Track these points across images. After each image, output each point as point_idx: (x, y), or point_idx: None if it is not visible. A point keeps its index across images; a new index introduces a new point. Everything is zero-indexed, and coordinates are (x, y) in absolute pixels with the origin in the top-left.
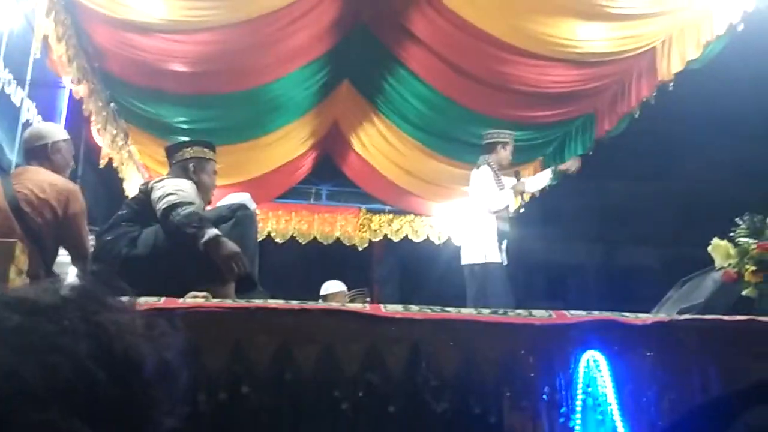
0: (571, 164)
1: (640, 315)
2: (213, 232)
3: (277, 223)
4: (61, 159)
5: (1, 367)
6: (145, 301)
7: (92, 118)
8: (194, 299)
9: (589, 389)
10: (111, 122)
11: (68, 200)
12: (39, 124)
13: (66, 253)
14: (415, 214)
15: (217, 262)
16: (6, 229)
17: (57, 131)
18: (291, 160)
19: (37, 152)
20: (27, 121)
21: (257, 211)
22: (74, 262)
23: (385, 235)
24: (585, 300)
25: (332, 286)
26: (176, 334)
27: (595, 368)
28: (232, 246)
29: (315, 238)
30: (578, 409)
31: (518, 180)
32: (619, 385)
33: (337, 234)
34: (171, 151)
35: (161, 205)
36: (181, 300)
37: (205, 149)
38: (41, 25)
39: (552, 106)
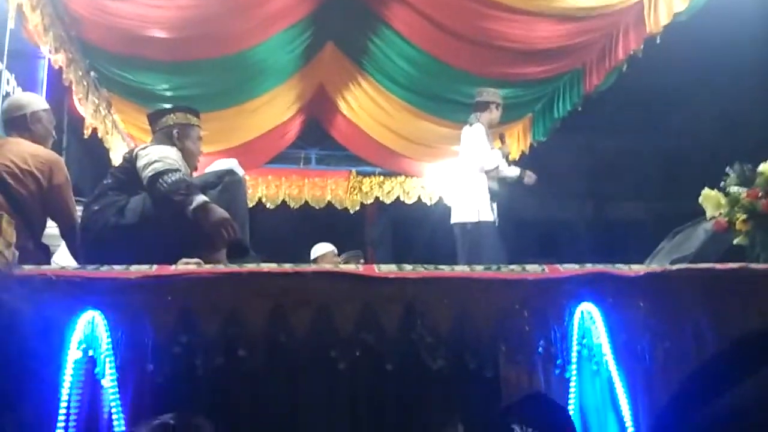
0: (529, 179)
1: (633, 266)
2: (201, 198)
3: (267, 189)
4: (42, 129)
5: None
6: (137, 269)
7: (73, 88)
8: (186, 266)
9: (584, 341)
10: (92, 91)
11: (51, 171)
12: (17, 95)
13: (55, 225)
14: (406, 176)
15: (207, 228)
16: None
17: (36, 101)
18: (278, 125)
19: (17, 123)
20: (6, 93)
21: (246, 177)
22: (62, 233)
23: (377, 198)
24: (577, 255)
25: (320, 248)
26: None
27: (589, 320)
28: (221, 212)
29: (306, 203)
30: (574, 360)
31: (503, 143)
32: (613, 335)
33: (329, 198)
34: (154, 118)
35: (147, 173)
36: (173, 267)
37: (189, 115)
38: None
39: (539, 63)
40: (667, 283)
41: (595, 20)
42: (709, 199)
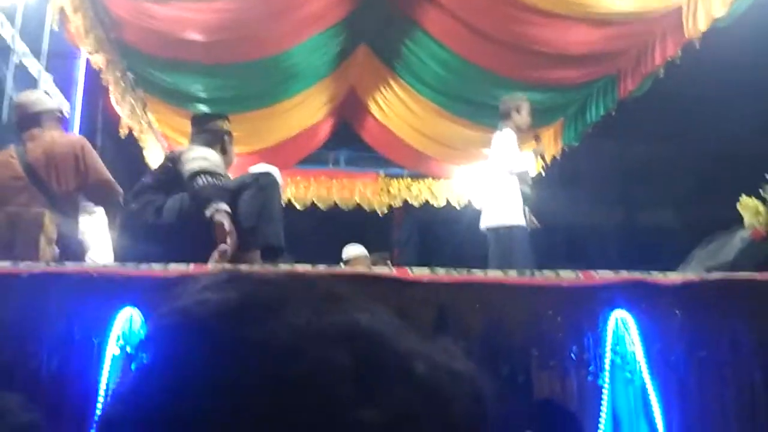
0: (541, 147)
1: (668, 274)
2: (222, 206)
3: (296, 190)
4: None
5: None
6: (175, 267)
7: (110, 89)
8: (217, 262)
9: (617, 348)
10: (129, 92)
11: (83, 152)
12: (32, 91)
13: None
14: (434, 178)
15: (213, 232)
16: (30, 198)
17: (50, 99)
18: (309, 127)
19: (44, 118)
20: (45, 92)
21: (281, 182)
22: (108, 209)
23: (405, 200)
24: (607, 262)
25: (353, 250)
26: None
27: (623, 327)
28: (229, 225)
29: (335, 204)
30: (606, 367)
31: (537, 143)
32: (647, 343)
33: (357, 199)
34: (201, 121)
35: (192, 167)
36: (210, 266)
37: (227, 122)
38: None
39: (574, 67)
40: (704, 291)
41: (632, 25)
42: (748, 207)
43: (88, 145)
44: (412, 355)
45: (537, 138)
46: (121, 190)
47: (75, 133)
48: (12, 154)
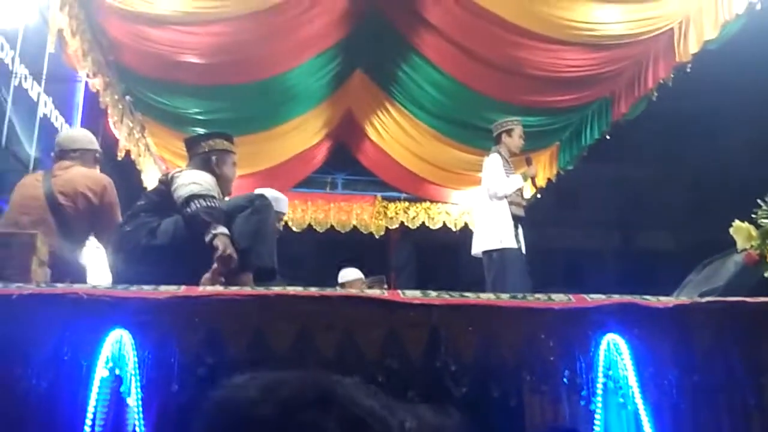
0: (532, 169)
1: (661, 298)
2: (222, 230)
3: (293, 213)
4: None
5: None
6: (166, 289)
7: (109, 111)
8: (212, 285)
9: (610, 372)
10: (127, 115)
11: (105, 190)
12: (79, 129)
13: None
14: (431, 201)
15: (215, 258)
16: (39, 219)
17: (94, 140)
18: (306, 150)
19: (78, 153)
20: (44, 115)
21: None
22: (107, 250)
23: (402, 223)
24: (603, 285)
25: (350, 274)
26: None
27: (615, 351)
28: (231, 249)
29: (332, 227)
30: (599, 392)
31: (528, 165)
32: (640, 368)
33: (354, 222)
34: (191, 144)
35: (183, 193)
36: (201, 288)
37: (225, 141)
38: (56, 19)
39: (568, 91)
40: (696, 315)
41: (624, 48)
42: (740, 231)
43: (112, 186)
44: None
45: (528, 160)
46: None
47: (102, 174)
48: (38, 178)
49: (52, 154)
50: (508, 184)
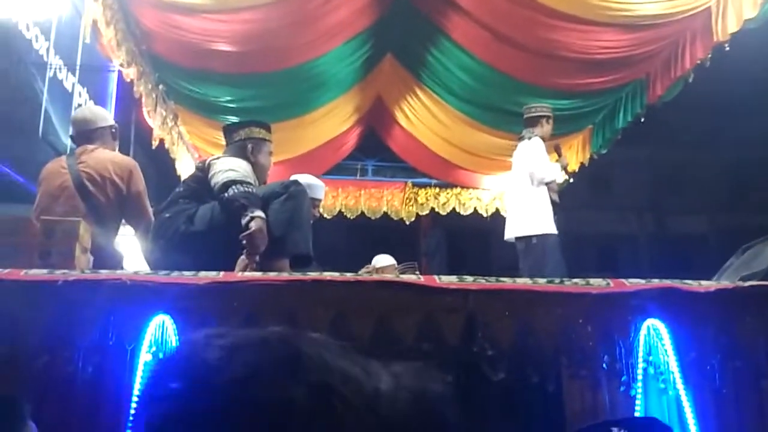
0: (564, 159)
1: (702, 282)
2: (258, 213)
3: (324, 199)
4: (112, 140)
5: None
6: (205, 275)
7: (143, 100)
8: (250, 270)
9: (650, 358)
10: (160, 104)
11: (131, 175)
12: (88, 108)
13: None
14: (462, 187)
15: (247, 239)
16: (70, 208)
17: (108, 114)
18: (336, 136)
19: (98, 134)
20: (79, 105)
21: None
22: (139, 235)
23: (432, 209)
24: (637, 270)
25: (382, 260)
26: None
27: (655, 336)
28: (264, 234)
29: (362, 213)
30: (639, 377)
31: (559, 154)
32: (681, 353)
33: (384, 209)
34: (228, 131)
35: (221, 179)
36: (239, 274)
37: (262, 130)
38: (90, 10)
39: (602, 73)
40: (738, 299)
41: (660, 29)
42: None
43: (137, 170)
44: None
45: (557, 149)
46: (153, 218)
47: (128, 156)
48: (63, 165)
49: (71, 136)
50: (554, 169)
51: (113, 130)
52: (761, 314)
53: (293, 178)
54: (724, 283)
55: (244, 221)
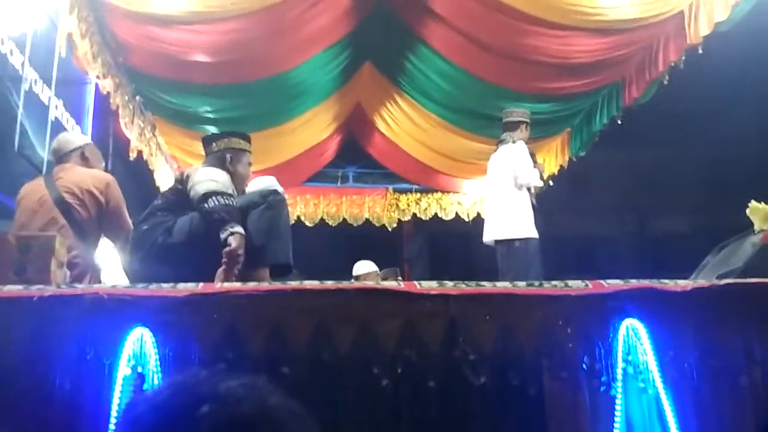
0: (540, 165)
1: (679, 281)
2: (237, 228)
3: (305, 207)
4: (94, 158)
5: None
6: (184, 287)
7: (120, 112)
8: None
9: (629, 357)
10: (138, 115)
11: (108, 188)
12: (62, 135)
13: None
14: (443, 192)
15: (225, 254)
16: (50, 220)
17: (83, 137)
18: (316, 144)
19: (73, 155)
20: (56, 118)
21: (285, 195)
22: (119, 248)
23: (414, 214)
24: (617, 271)
25: (364, 267)
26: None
27: (634, 336)
28: (241, 251)
29: (344, 220)
30: (619, 377)
31: (535, 161)
32: (659, 352)
33: (366, 215)
34: (207, 142)
35: (199, 190)
36: (218, 284)
37: (241, 140)
38: (65, 23)
39: (578, 77)
40: (715, 298)
41: (634, 32)
42: (757, 211)
43: (115, 183)
44: None
45: (533, 156)
46: (132, 228)
47: (104, 172)
48: (40, 183)
49: (50, 159)
50: (537, 174)
51: (82, 152)
52: (738, 312)
53: (256, 180)
54: (701, 281)
55: (222, 236)
